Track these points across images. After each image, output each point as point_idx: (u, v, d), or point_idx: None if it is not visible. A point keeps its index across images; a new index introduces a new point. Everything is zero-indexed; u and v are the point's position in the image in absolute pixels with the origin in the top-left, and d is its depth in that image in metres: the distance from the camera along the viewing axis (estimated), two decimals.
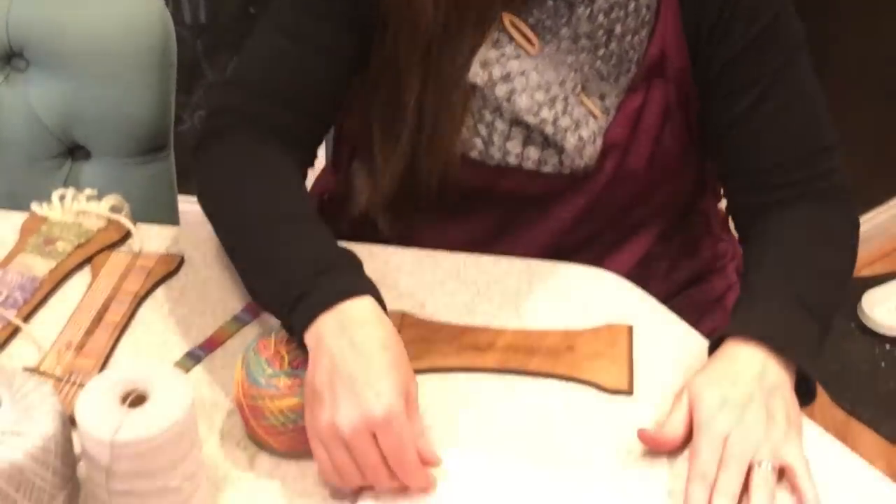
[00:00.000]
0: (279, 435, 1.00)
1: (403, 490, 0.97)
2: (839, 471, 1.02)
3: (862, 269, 2.56)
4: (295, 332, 1.00)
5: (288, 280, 1.02)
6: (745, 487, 0.98)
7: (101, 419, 0.89)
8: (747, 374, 1.03)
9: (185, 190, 1.62)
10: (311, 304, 0.99)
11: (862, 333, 2.44)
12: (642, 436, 1.03)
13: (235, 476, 1.01)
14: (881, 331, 2.43)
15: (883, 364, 2.37)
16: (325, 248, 1.06)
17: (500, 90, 1.17)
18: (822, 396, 2.16)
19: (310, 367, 0.98)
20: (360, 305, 0.99)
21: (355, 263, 1.05)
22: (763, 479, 0.97)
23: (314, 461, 0.98)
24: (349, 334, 0.97)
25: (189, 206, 1.54)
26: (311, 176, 1.28)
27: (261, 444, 1.03)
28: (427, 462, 0.97)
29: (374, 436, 0.94)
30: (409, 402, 0.97)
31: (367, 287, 1.01)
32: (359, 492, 0.98)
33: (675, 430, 1.02)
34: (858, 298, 2.47)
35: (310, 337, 0.98)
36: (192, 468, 0.93)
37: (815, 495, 0.97)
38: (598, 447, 1.04)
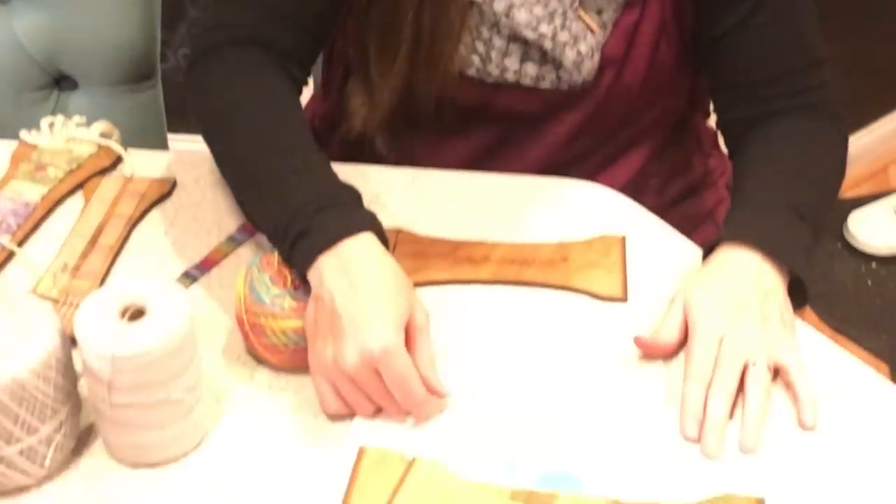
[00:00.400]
0: (279, 353, 1.01)
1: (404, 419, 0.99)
2: (834, 370, 1.03)
3: (848, 191, 2.57)
4: (296, 267, 1.01)
5: (287, 217, 1.01)
6: (741, 388, 0.99)
7: (100, 333, 0.90)
8: (741, 277, 1.04)
9: (171, 128, 1.62)
10: (311, 244, 0.99)
11: (848, 253, 2.46)
12: (638, 342, 1.04)
13: (236, 389, 1.02)
14: (867, 250, 2.45)
15: (869, 282, 2.39)
16: (324, 183, 1.06)
17: (499, 5, 1.16)
18: (809, 315, 2.17)
19: (311, 303, 0.99)
20: (360, 243, 1.00)
21: (354, 197, 1.05)
22: (758, 378, 0.98)
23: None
24: (349, 273, 0.97)
25: (178, 143, 1.55)
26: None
27: (260, 360, 1.03)
28: (433, 393, 0.98)
29: (376, 372, 0.95)
30: (416, 333, 0.98)
31: (366, 222, 1.01)
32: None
33: (670, 334, 1.03)
34: (844, 219, 2.48)
35: (312, 275, 0.99)
36: (192, 380, 0.94)
37: (809, 392, 0.99)
38: (593, 354, 1.05)
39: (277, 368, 1.03)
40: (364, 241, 1.00)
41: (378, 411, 0.98)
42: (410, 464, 0.94)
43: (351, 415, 0.99)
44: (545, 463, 0.95)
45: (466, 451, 0.96)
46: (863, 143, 2.64)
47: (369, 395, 0.96)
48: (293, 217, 1.01)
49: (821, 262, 2.59)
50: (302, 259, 0.99)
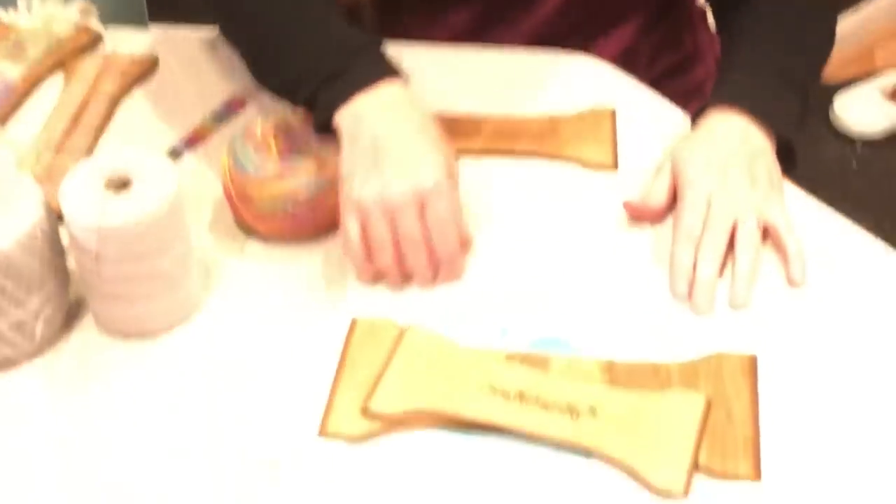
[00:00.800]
0: (268, 221, 1.00)
1: (425, 278, 0.97)
2: (822, 230, 1.03)
3: (833, 73, 2.56)
4: (319, 110, 0.99)
5: (318, 59, 1.00)
6: (730, 248, 0.99)
7: (85, 204, 0.89)
8: (730, 138, 1.03)
9: (152, 17, 1.59)
10: (347, 83, 0.98)
11: (834, 137, 2.45)
12: (627, 207, 1.03)
13: (226, 262, 1.01)
14: (852, 134, 2.44)
15: (854, 165, 2.40)
16: (354, 31, 1.04)
17: None
18: None
19: (346, 145, 0.97)
20: (397, 87, 0.99)
21: (384, 48, 1.03)
22: (748, 236, 0.98)
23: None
24: (393, 112, 0.97)
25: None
26: None
27: (250, 231, 1.03)
28: (463, 241, 0.97)
29: (420, 210, 0.94)
30: (453, 183, 0.97)
31: (400, 70, 1.01)
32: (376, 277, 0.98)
33: (659, 197, 1.03)
34: (830, 102, 2.47)
35: (343, 117, 0.97)
36: (181, 252, 0.93)
37: (798, 249, 0.99)
38: (583, 220, 1.04)
39: (268, 240, 1.02)
40: (401, 86, 0.99)
41: (394, 264, 0.96)
42: (403, 331, 0.94)
43: (362, 268, 0.97)
44: (538, 328, 0.95)
45: (459, 319, 0.96)
46: (849, 25, 2.61)
47: (404, 237, 0.94)
48: (321, 59, 1.00)
49: (806, 146, 2.60)
50: (334, 99, 0.98)
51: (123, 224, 0.88)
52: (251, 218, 1.00)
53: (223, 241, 1.03)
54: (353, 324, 0.95)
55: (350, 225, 0.96)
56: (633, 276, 0.99)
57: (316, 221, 1.00)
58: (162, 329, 0.95)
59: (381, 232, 0.95)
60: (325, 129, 0.99)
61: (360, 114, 0.97)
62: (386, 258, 0.96)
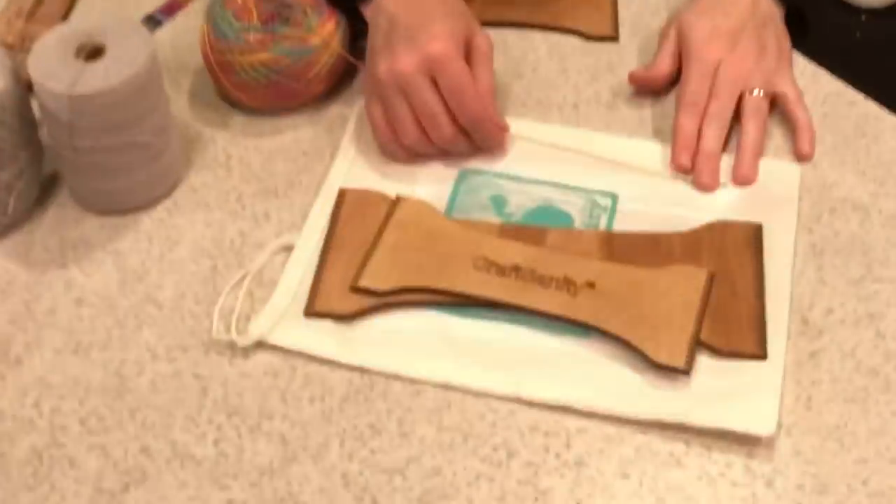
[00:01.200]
0: (251, 91, 0.95)
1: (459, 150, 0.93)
2: (832, 101, 0.99)
3: None
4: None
5: None
6: (737, 118, 0.94)
7: (56, 72, 0.84)
8: (738, 4, 0.98)
9: None
10: None
11: (836, 7, 2.39)
12: (632, 76, 0.99)
13: (208, 135, 0.97)
14: (856, 3, 2.37)
15: (858, 35, 2.33)
16: None
17: None
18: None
19: (370, 32, 0.93)
20: None
21: None
22: (756, 106, 0.94)
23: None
24: None
25: None
26: None
27: (234, 102, 0.98)
28: (491, 122, 0.92)
29: (434, 81, 0.89)
30: (478, 57, 0.92)
31: None
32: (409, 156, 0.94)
33: (663, 64, 0.98)
34: None
35: (369, 6, 0.94)
36: (159, 123, 0.89)
37: (808, 119, 0.95)
38: (584, 92, 1.00)
39: (253, 111, 0.98)
40: None
41: (420, 140, 0.92)
42: (395, 202, 0.90)
43: (389, 148, 0.93)
44: (533, 196, 0.91)
45: (449, 192, 0.92)
46: None
47: (422, 111, 0.90)
48: None
49: (810, 19, 2.52)
50: None
51: (96, 92, 0.83)
52: (233, 88, 0.95)
53: (205, 113, 0.99)
54: (342, 195, 0.91)
55: (370, 107, 0.92)
56: (635, 148, 0.95)
57: (301, 92, 0.96)
58: (141, 204, 0.91)
59: (398, 109, 0.90)
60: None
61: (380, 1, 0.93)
62: (409, 135, 0.91)
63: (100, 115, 0.84)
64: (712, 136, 0.92)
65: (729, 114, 0.93)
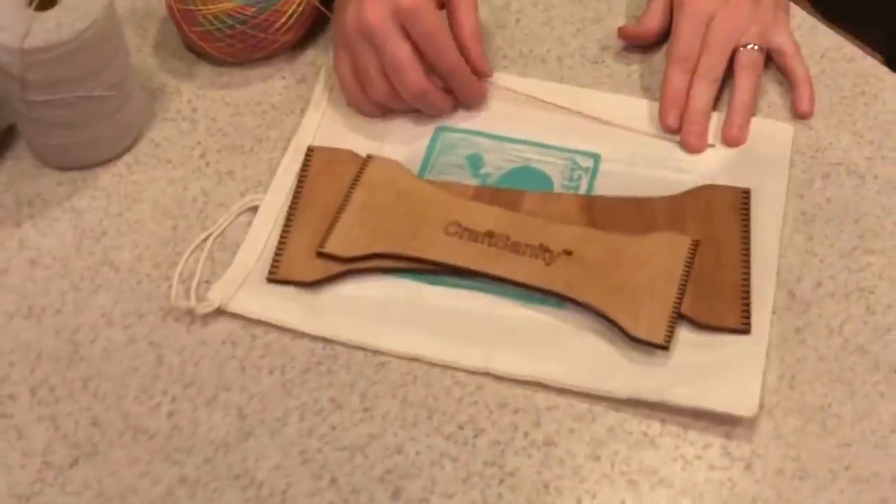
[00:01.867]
0: (216, 41, 0.91)
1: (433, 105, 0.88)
2: (830, 56, 0.94)
3: None
4: None
5: None
6: (729, 74, 0.90)
7: (6, 23, 0.80)
8: None
9: None
10: None
11: None
12: (622, 32, 0.94)
13: (173, 86, 0.93)
14: None
15: None
16: None
17: None
18: (801, 5, 2.07)
19: None
20: None
21: None
22: (750, 61, 0.89)
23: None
24: None
25: None
26: None
27: (200, 53, 0.93)
28: (476, 68, 0.88)
29: (406, 33, 0.84)
30: (458, 1, 0.87)
31: None
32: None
33: (655, 20, 0.93)
34: None
35: None
36: (117, 77, 0.84)
37: (806, 74, 0.90)
38: (569, 45, 0.95)
39: (220, 62, 0.93)
40: None
41: (389, 95, 0.87)
42: (365, 162, 0.86)
43: (357, 103, 0.89)
44: (511, 156, 0.87)
45: (424, 150, 0.88)
46: None
47: (391, 62, 0.84)
48: None
49: None
50: None
51: (48, 45, 0.79)
52: (197, 38, 0.91)
53: (171, 62, 0.94)
54: (311, 153, 0.87)
55: (337, 60, 0.88)
56: (623, 105, 0.90)
57: (268, 42, 0.91)
58: (100, 160, 0.87)
59: (365, 60, 0.85)
60: None
61: None
62: (377, 89, 0.86)
63: (53, 68, 0.80)
64: (702, 93, 0.88)
65: (721, 70, 0.89)
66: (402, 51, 0.84)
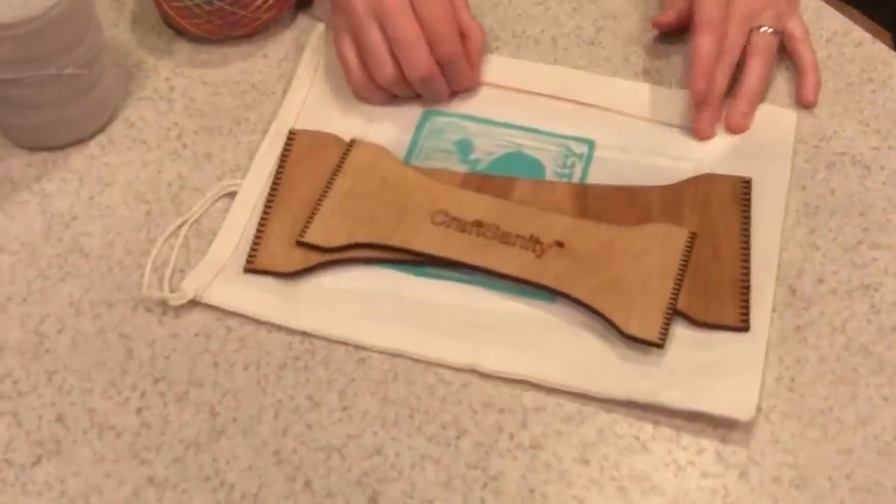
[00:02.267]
0: (195, 18, 0.87)
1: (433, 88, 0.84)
2: (837, 41, 0.90)
3: None
4: None
5: None
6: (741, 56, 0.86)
7: None
8: None
9: None
10: None
11: None
12: (655, 23, 0.90)
13: (151, 63, 0.89)
14: None
15: None
16: None
17: None
18: None
19: None
20: None
21: None
22: (765, 44, 0.85)
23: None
24: None
25: None
26: None
27: (179, 30, 0.90)
28: (471, 35, 0.84)
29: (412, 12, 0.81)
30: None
31: None
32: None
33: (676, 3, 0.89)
34: None
35: None
36: (89, 54, 0.80)
37: (814, 61, 0.86)
38: (565, 26, 0.92)
39: (199, 39, 0.89)
40: None
41: (396, 78, 0.83)
42: (349, 146, 0.82)
43: (363, 87, 0.85)
44: (502, 142, 0.83)
45: (410, 134, 0.84)
46: None
47: (398, 41, 0.81)
48: None
49: None
50: None
51: (16, 20, 0.75)
52: (176, 14, 0.87)
53: (149, 38, 0.90)
54: (292, 136, 0.83)
55: (341, 45, 0.84)
56: (618, 92, 0.86)
57: (248, 19, 0.87)
58: (72, 140, 0.84)
59: (374, 40, 0.81)
60: None
61: None
62: (385, 70, 0.82)
63: (20, 45, 0.76)
64: (719, 72, 0.83)
65: (738, 51, 0.84)
66: (412, 30, 0.81)
